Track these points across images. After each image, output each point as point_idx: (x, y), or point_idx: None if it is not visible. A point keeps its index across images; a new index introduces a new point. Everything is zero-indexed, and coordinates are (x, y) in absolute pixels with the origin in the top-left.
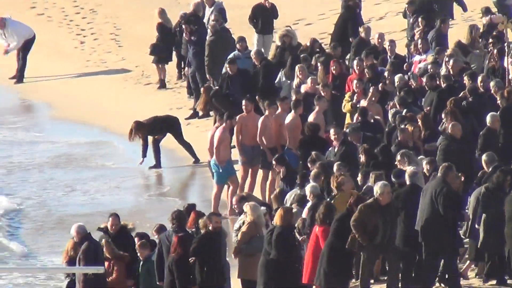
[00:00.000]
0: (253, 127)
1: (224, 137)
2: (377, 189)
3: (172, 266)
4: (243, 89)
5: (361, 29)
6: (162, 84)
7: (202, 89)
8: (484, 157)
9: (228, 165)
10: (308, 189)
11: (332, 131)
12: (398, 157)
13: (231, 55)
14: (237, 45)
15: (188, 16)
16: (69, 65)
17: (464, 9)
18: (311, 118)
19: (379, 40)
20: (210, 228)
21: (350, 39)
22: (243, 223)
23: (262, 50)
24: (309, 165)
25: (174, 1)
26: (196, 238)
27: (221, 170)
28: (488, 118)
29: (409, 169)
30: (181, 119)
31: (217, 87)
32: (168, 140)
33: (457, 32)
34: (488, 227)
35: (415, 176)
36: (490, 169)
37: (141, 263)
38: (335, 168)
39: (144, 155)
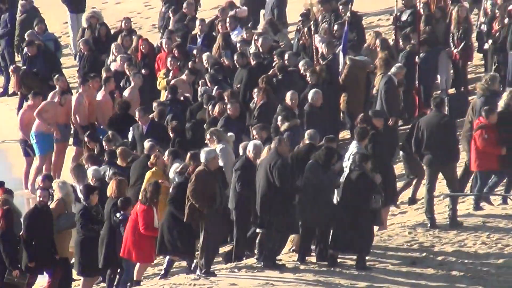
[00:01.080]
0: (66, 105)
1: (49, 108)
2: (203, 156)
3: None
4: (46, 69)
5: (184, 5)
6: None
7: (10, 69)
8: (306, 134)
9: (48, 139)
10: (90, 172)
11: (137, 113)
12: (208, 136)
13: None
14: (36, 28)
15: None
16: None
17: None
18: (126, 93)
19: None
20: (37, 203)
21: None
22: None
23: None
24: (103, 143)
25: None
26: (26, 213)
27: (35, 141)
28: (310, 95)
29: (244, 143)
30: None
31: (24, 67)
32: None
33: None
34: (309, 200)
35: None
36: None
37: None
38: (146, 146)
39: None
